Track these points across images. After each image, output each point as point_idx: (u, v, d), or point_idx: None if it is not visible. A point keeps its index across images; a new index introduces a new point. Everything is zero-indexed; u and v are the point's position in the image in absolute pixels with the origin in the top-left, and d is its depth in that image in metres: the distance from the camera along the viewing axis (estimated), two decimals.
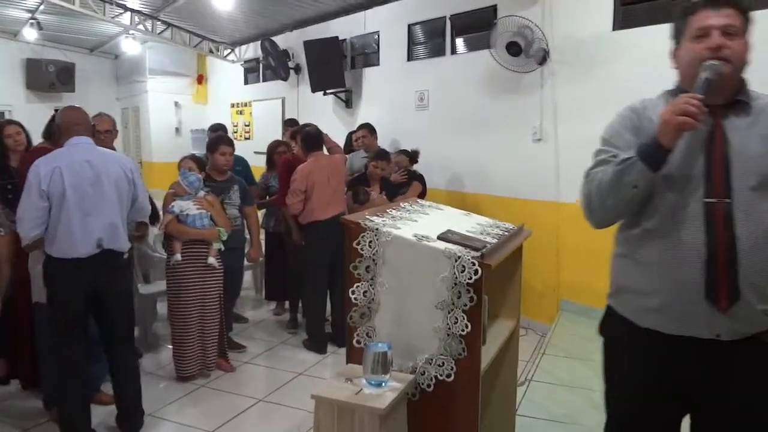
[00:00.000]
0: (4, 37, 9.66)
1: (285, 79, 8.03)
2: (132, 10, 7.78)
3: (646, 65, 3.56)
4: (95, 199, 3.11)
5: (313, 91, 7.10)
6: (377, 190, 4.99)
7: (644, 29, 4.40)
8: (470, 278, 1.88)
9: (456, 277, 1.90)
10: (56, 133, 3.26)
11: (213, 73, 10.44)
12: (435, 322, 1.95)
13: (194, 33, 8.82)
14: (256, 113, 9.05)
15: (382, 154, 5.04)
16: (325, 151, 4.93)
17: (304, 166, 4.69)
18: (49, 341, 3.42)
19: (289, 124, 5.96)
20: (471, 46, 5.81)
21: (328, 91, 7.14)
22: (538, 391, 3.57)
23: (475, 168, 5.71)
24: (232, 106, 9.69)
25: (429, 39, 6.24)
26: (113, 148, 4.07)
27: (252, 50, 9.17)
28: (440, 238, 2.00)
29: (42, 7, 8.04)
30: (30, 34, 8.63)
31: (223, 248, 4.13)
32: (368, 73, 6.99)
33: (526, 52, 4.89)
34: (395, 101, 6.49)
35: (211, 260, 4.06)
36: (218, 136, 4.61)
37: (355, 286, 2.04)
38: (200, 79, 10.54)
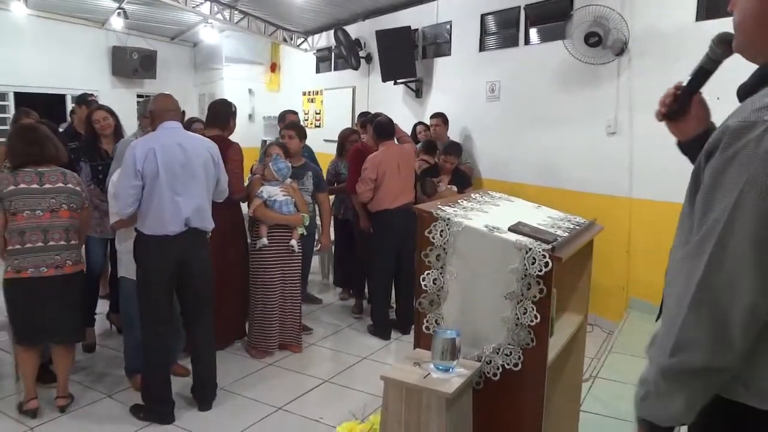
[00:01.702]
0: (93, 25, 10.17)
1: (356, 68, 8.13)
2: (211, 0, 8.05)
3: (731, 59, 3.42)
4: (185, 180, 3.30)
5: (384, 80, 7.16)
6: (446, 181, 5.01)
7: (729, 20, 4.21)
8: (540, 270, 1.90)
9: (526, 269, 1.92)
10: (149, 119, 3.47)
11: (286, 61, 10.67)
12: (503, 312, 1.98)
13: (269, 22, 9.04)
14: (327, 101, 9.20)
15: (452, 148, 5.05)
16: (395, 140, 4.99)
17: (375, 155, 4.76)
18: (134, 315, 3.66)
19: (362, 117, 6.04)
20: (545, 37, 5.72)
21: (398, 81, 7.17)
22: (604, 389, 3.53)
23: (546, 161, 5.63)
24: (304, 94, 9.89)
25: (502, 29, 6.18)
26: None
27: (324, 39, 9.31)
28: (511, 229, 2.03)
29: None
30: (117, 22, 9.06)
31: (305, 233, 4.29)
32: (439, 63, 6.99)
33: (604, 42, 4.78)
34: (466, 92, 6.46)
35: (293, 243, 4.22)
36: (289, 121, 4.77)
37: (425, 273, 2.10)
38: (273, 68, 10.79)
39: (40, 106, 9.88)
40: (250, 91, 10.63)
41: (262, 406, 3.60)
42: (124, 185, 3.25)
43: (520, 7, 5.86)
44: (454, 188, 4.98)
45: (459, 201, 2.31)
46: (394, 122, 5.08)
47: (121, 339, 4.53)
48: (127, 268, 3.70)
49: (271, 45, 10.65)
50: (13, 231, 3.29)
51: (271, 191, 4.20)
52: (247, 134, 9.78)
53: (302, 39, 9.64)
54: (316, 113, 9.53)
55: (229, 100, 4.80)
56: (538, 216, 2.39)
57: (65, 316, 3.44)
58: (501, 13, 6.14)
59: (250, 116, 10.69)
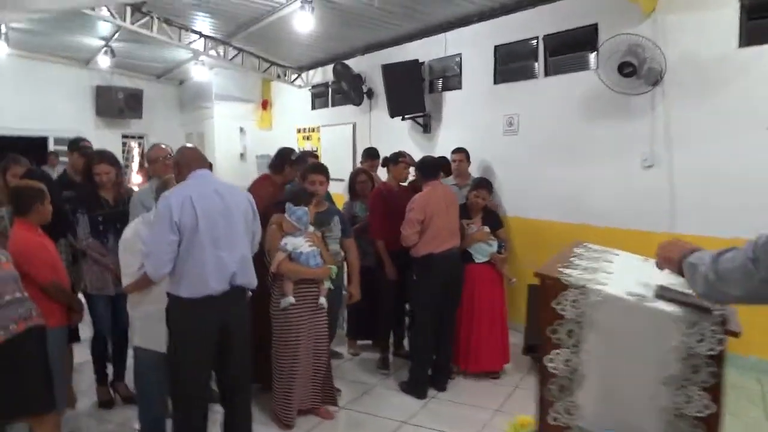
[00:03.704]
0: (76, 65, 9.77)
1: (358, 103, 7.84)
2: (206, 36, 7.72)
3: None
4: (226, 230, 2.92)
5: (392, 116, 6.86)
6: (478, 222, 4.67)
7: None
8: (711, 349, 1.54)
9: (691, 348, 1.56)
10: (176, 170, 3.08)
11: (278, 98, 10.36)
12: (659, 400, 1.61)
13: (263, 58, 8.74)
14: (325, 138, 8.88)
15: (482, 183, 4.73)
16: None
17: (421, 195, 4.43)
18: (153, 391, 3.23)
19: (369, 154, 5.70)
20: (567, 68, 5.48)
21: (406, 117, 6.88)
22: None
23: (573, 196, 5.35)
24: (299, 131, 9.56)
25: (518, 61, 5.94)
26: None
27: (320, 75, 9.03)
28: (659, 296, 1.67)
29: (116, 35, 8.06)
30: (103, 61, 8.68)
31: (332, 287, 3.87)
32: (449, 96, 6.72)
33: (639, 72, 4.54)
34: (480, 126, 6.19)
35: (323, 300, 3.79)
36: (311, 164, 4.37)
37: (553, 353, 1.73)
38: (265, 105, 10.47)
39: (20, 149, 9.42)
40: (241, 129, 10.27)
41: None
42: (159, 241, 2.82)
43: (538, 37, 5.64)
44: (487, 229, 4.64)
45: (569, 259, 1.96)
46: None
47: (127, 412, 4.07)
48: (142, 336, 3.26)
49: (262, 82, 10.35)
50: None
51: (296, 243, 3.75)
52: (240, 173, 9.40)
53: (296, 75, 9.36)
54: (313, 151, 9.18)
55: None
56: (656, 271, 2.04)
57: (38, 380, 2.91)
58: (517, 44, 5.90)
59: (242, 155, 10.31)
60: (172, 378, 2.99)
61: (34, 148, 9.44)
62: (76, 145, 4.97)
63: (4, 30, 7.64)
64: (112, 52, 8.53)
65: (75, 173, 4.78)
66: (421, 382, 4.40)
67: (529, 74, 5.81)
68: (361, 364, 5.09)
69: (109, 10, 6.48)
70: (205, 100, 10.53)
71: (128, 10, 6.70)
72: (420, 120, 6.93)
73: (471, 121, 6.35)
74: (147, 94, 10.58)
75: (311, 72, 9.26)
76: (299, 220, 3.73)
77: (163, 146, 4.22)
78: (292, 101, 9.83)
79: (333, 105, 8.87)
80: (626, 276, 1.86)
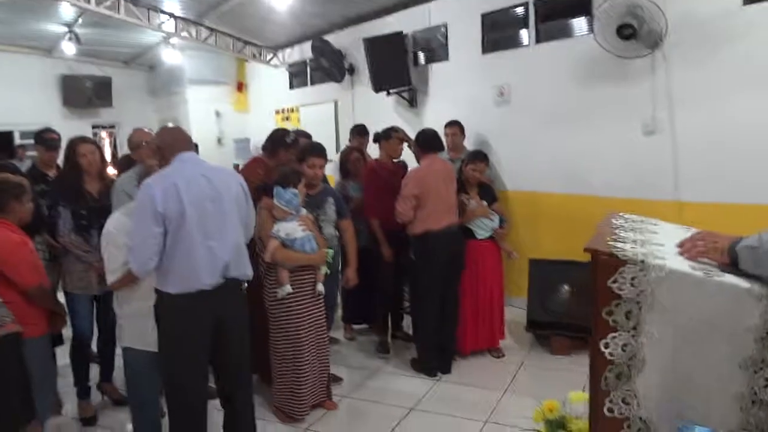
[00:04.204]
0: (39, 53, 9.30)
1: (339, 80, 7.55)
2: (176, 17, 7.35)
3: None
4: (217, 218, 2.66)
5: (376, 91, 6.60)
6: (476, 196, 4.47)
7: None
8: None
9: None
10: (158, 154, 2.80)
11: (253, 79, 9.99)
12: (734, 385, 1.43)
13: (237, 38, 8.38)
14: (306, 119, 8.57)
15: (479, 155, 4.52)
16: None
17: (417, 170, 4.24)
18: (146, 392, 3.00)
19: (358, 131, 5.45)
20: (560, 33, 5.27)
21: (391, 91, 6.63)
22: None
23: (572, 166, 5.17)
24: (277, 112, 9.24)
25: (508, 29, 5.71)
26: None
27: (297, 53, 8.71)
28: (725, 271, 1.49)
29: (80, 20, 7.64)
30: (68, 48, 8.24)
31: (329, 272, 3.65)
32: (435, 68, 6.48)
33: (638, 34, 4.35)
34: (469, 97, 5.96)
35: (320, 287, 3.58)
36: (309, 145, 4.10)
37: (609, 337, 1.53)
38: (240, 87, 10.10)
39: None
40: (217, 113, 9.90)
41: None
42: (142, 234, 2.55)
43: (527, 3, 5.41)
44: (485, 203, 4.45)
45: (613, 231, 1.77)
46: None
47: (118, 415, 3.84)
48: (131, 336, 3.01)
49: (237, 63, 9.98)
50: None
51: (289, 228, 3.51)
52: (218, 159, 9.05)
53: (272, 54, 9.02)
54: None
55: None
56: None
57: (14, 392, 2.63)
58: (506, 11, 5.66)
59: (219, 140, 9.97)
60: (166, 379, 2.77)
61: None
62: (41, 137, 4.64)
63: None
64: (77, 39, 8.09)
65: (44, 166, 4.49)
66: (431, 359, 4.27)
67: (519, 42, 5.60)
68: (360, 348, 4.92)
69: None
70: (177, 84, 10.13)
71: None
72: (405, 94, 6.69)
73: (460, 93, 6.12)
74: (116, 81, 10.15)
75: (288, 50, 8.92)
76: (289, 203, 3.49)
77: (146, 130, 3.92)
78: (269, 82, 9.49)
79: (312, 83, 8.56)
80: (673, 247, 1.68)
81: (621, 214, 2.09)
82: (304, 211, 3.63)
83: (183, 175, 2.63)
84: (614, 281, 1.51)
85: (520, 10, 5.51)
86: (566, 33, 5.21)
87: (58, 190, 3.82)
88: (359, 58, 7.24)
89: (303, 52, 8.50)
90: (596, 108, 4.94)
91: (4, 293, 2.73)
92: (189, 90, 9.86)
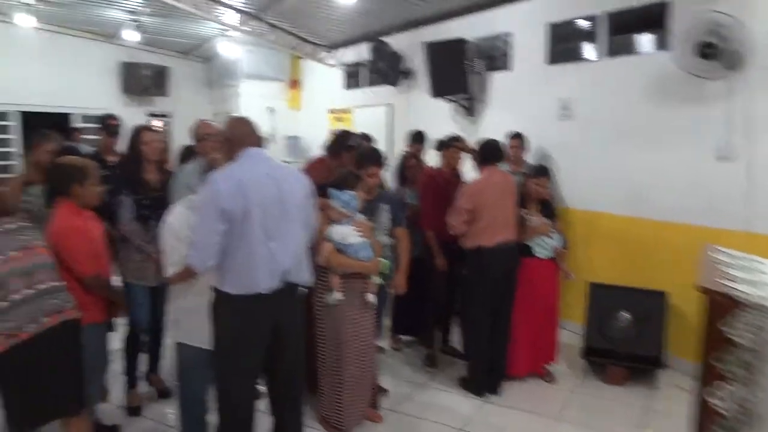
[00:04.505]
0: (102, 39, 9.46)
1: (396, 84, 7.47)
2: (238, 10, 7.38)
3: None
4: (281, 220, 2.60)
5: (435, 96, 6.49)
6: (537, 213, 4.33)
7: None
8: None
9: None
10: (226, 146, 2.76)
11: (307, 77, 9.99)
12: None
13: (296, 35, 8.38)
14: (359, 120, 8.51)
15: (543, 170, 4.38)
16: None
17: (475, 183, 4.12)
18: (197, 391, 2.97)
19: (415, 137, 5.34)
20: (632, 48, 5.08)
21: (450, 98, 6.52)
22: None
23: (633, 186, 4.98)
24: (331, 112, 9.21)
25: (576, 40, 5.53)
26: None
27: (353, 53, 8.64)
28: None
29: (146, 8, 7.74)
30: (131, 35, 8.34)
31: (383, 282, 3.56)
32: (495, 77, 6.34)
33: (720, 54, 4.14)
34: (531, 109, 5.81)
35: (371, 297, 3.48)
36: (367, 152, 4.00)
37: (716, 385, 1.40)
38: (294, 84, 10.12)
39: (42, 125, 9.18)
40: (270, 109, 9.92)
41: None
42: (205, 230, 2.51)
43: (599, 15, 5.22)
44: (546, 221, 4.30)
45: (719, 268, 1.63)
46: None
47: (162, 407, 3.84)
48: (186, 331, 2.98)
49: (292, 60, 10.00)
50: None
51: (344, 232, 3.42)
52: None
53: (328, 53, 8.99)
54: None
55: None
56: None
57: (69, 379, 2.67)
58: (575, 22, 5.49)
59: (271, 136, 9.98)
60: (217, 379, 2.72)
61: (56, 124, 9.21)
62: (104, 122, 4.68)
63: (32, 1, 7.35)
64: (140, 27, 8.18)
65: (104, 151, 4.52)
66: (481, 378, 4.15)
67: (587, 55, 5.41)
68: (406, 360, 4.82)
69: None
70: (232, 78, 10.17)
71: None
72: (464, 102, 6.56)
73: (521, 104, 5.97)
74: (173, 71, 10.27)
75: (343, 50, 8.88)
76: (346, 205, 3.41)
77: (212, 122, 3.89)
78: (323, 81, 9.46)
79: (368, 85, 8.49)
80: None
81: (719, 247, 1.94)
82: (361, 217, 3.54)
83: (250, 173, 2.57)
84: (728, 325, 1.37)
85: (589, 23, 5.32)
86: (638, 48, 5.01)
87: (121, 177, 3.82)
88: (417, 62, 7.15)
89: (359, 52, 8.44)
90: (666, 128, 4.74)
91: (65, 277, 2.72)
92: (243, 84, 9.89)
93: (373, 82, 8.34)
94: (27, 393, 2.50)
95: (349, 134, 4.42)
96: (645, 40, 4.96)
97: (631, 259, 4.99)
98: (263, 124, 9.95)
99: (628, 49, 5.11)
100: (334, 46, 8.92)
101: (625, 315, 4.45)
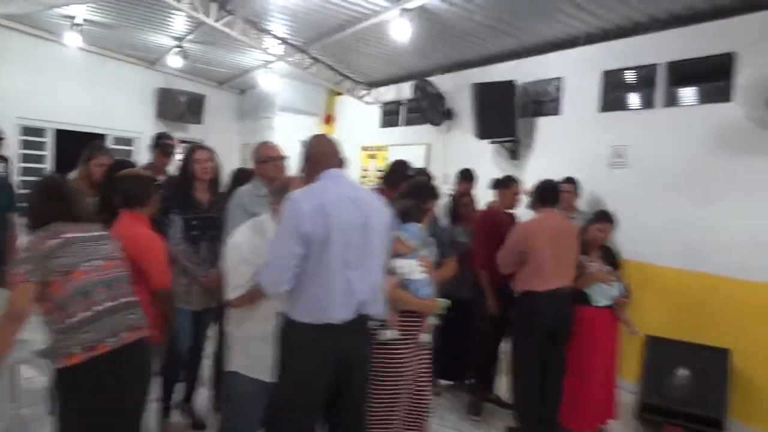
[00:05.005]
0: (142, 64, 9.55)
1: (437, 123, 7.42)
2: (284, 41, 7.41)
3: None
4: (361, 248, 2.45)
5: (481, 138, 6.41)
6: (597, 259, 4.15)
7: None
8: None
9: None
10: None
11: (342, 113, 10.00)
12: None
13: (337, 71, 8.40)
14: (394, 158, 8.42)
15: (606, 216, 4.22)
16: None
17: (528, 223, 3.98)
18: (246, 425, 2.77)
19: (465, 176, 5.21)
20: (693, 98, 4.99)
21: (496, 140, 6.43)
22: None
23: (691, 239, 4.81)
24: (364, 149, 9.16)
25: (632, 88, 5.47)
26: None
27: (393, 92, 8.65)
28: None
29: (192, 35, 7.80)
30: (174, 61, 8.38)
31: (438, 323, 3.36)
32: (543, 122, 6.27)
33: None
34: (580, 156, 5.70)
35: (425, 337, 3.28)
36: (430, 186, 3.86)
37: None
38: (328, 120, 10.12)
39: (77, 145, 9.19)
40: (303, 143, 9.88)
41: None
42: (282, 252, 2.36)
43: (659, 64, 5.15)
44: (608, 268, 4.12)
45: None
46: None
47: None
48: (242, 360, 2.81)
49: (327, 95, 10.03)
50: (73, 295, 2.29)
51: (409, 266, 3.22)
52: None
53: (366, 91, 9.00)
54: (379, 171, 8.77)
55: None
56: None
57: (139, 399, 2.51)
58: (633, 70, 5.43)
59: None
60: (278, 413, 2.51)
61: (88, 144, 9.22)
62: (159, 141, 4.61)
63: (79, 21, 7.42)
64: (184, 53, 8.23)
65: (156, 171, 4.42)
66: (532, 430, 3.90)
67: (644, 103, 5.32)
68: (448, 406, 4.58)
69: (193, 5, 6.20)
70: (265, 110, 10.19)
71: (213, 6, 6.43)
72: (508, 145, 6.47)
73: (570, 150, 5.86)
74: (208, 100, 10.33)
75: (382, 89, 8.89)
76: (415, 235, 3.25)
77: (274, 145, 3.78)
78: (358, 118, 9.45)
79: (405, 124, 8.46)
80: None
81: None
82: (426, 253, 3.38)
83: (332, 196, 2.44)
84: None
85: (649, 71, 5.25)
86: (701, 98, 4.92)
87: (171, 196, 3.70)
88: (460, 102, 7.11)
89: (399, 91, 8.45)
90: (729, 180, 4.60)
91: (136, 291, 2.58)
92: (278, 117, 9.90)
93: (410, 122, 8.32)
94: (95, 409, 2.31)
95: (406, 164, 4.30)
96: (709, 90, 4.87)
97: (687, 313, 4.78)
98: (295, 158, 9.98)
99: (688, 98, 5.03)
100: (373, 84, 8.94)
101: (685, 371, 4.23)
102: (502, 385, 4.65)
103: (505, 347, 4.56)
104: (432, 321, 3.36)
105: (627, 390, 4.64)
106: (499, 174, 6.30)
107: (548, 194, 4.10)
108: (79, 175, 4.01)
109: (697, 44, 4.86)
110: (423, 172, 4.93)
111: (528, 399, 3.97)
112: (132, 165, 3.84)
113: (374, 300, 2.53)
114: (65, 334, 2.27)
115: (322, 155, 2.60)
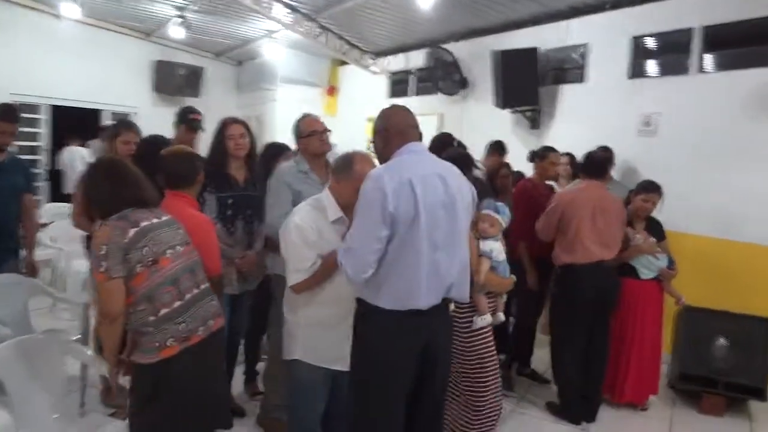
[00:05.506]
0: (139, 36, 9.19)
1: (452, 93, 7.22)
2: (294, 9, 7.13)
3: None
4: (448, 228, 2.26)
5: (503, 107, 6.24)
6: (643, 231, 4.05)
7: None
8: None
9: None
10: (381, 140, 2.45)
11: (345, 84, 9.75)
12: None
13: (346, 40, 8.13)
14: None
15: (653, 186, 4.08)
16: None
17: (567, 192, 3.90)
18: (308, 414, 2.67)
19: (495, 148, 5.06)
20: (730, 63, 4.86)
21: (518, 109, 6.27)
22: None
23: (725, 208, 4.76)
24: (370, 120, 8.93)
25: (664, 54, 5.32)
26: None
27: (402, 61, 8.42)
28: None
29: (193, 4, 7.47)
30: (176, 32, 8.02)
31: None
32: (566, 90, 6.11)
33: None
34: (607, 124, 5.57)
35: (501, 316, 3.16)
36: (471, 158, 3.71)
37: None
38: (331, 91, 9.86)
39: (73, 122, 8.88)
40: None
41: None
42: (366, 235, 2.16)
43: (693, 28, 5.00)
44: (653, 240, 4.02)
45: None
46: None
47: (237, 428, 3.48)
48: (305, 347, 2.67)
49: (330, 66, 9.76)
50: (162, 284, 2.16)
51: (496, 248, 3.08)
52: None
53: (372, 60, 8.74)
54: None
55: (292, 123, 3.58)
56: None
57: (226, 389, 2.47)
58: (664, 35, 5.28)
59: None
60: (362, 408, 2.35)
61: (86, 121, 8.92)
62: (184, 116, 4.37)
63: None
64: (187, 24, 7.88)
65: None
66: (574, 404, 3.87)
67: (678, 69, 5.17)
68: None
69: None
70: (267, 82, 9.90)
71: None
72: (528, 114, 6.32)
73: (595, 118, 5.73)
74: (206, 72, 10.01)
75: (389, 58, 8.64)
76: (505, 216, 3.10)
77: (317, 117, 3.57)
78: (363, 88, 9.21)
79: (415, 94, 8.24)
80: None
81: None
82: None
83: (418, 172, 2.23)
84: None
85: (683, 36, 5.09)
86: (738, 63, 4.79)
87: (207, 174, 3.50)
88: (476, 71, 6.94)
89: (408, 60, 8.22)
90: (765, 146, 4.50)
91: None
92: (280, 88, 9.62)
93: (420, 91, 8.11)
94: (188, 402, 2.19)
95: (452, 136, 4.15)
96: (747, 54, 4.73)
97: (719, 282, 4.72)
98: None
99: (725, 64, 4.90)
100: (380, 54, 8.69)
101: (721, 340, 4.18)
102: (537, 360, 4.57)
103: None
104: (504, 299, 3.25)
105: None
106: (517, 144, 6.21)
107: (593, 166, 3.98)
108: (107, 153, 3.79)
109: (735, 7, 4.71)
110: (460, 145, 4.76)
111: (570, 375, 3.90)
112: (168, 141, 3.63)
113: (461, 283, 2.37)
114: (157, 327, 2.13)
115: (400, 128, 2.38)
